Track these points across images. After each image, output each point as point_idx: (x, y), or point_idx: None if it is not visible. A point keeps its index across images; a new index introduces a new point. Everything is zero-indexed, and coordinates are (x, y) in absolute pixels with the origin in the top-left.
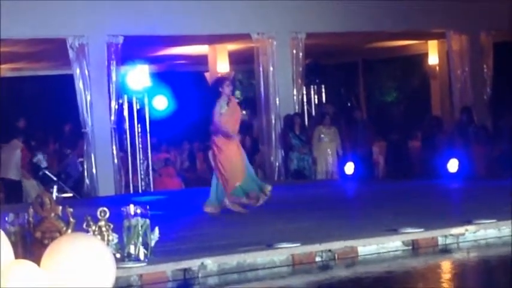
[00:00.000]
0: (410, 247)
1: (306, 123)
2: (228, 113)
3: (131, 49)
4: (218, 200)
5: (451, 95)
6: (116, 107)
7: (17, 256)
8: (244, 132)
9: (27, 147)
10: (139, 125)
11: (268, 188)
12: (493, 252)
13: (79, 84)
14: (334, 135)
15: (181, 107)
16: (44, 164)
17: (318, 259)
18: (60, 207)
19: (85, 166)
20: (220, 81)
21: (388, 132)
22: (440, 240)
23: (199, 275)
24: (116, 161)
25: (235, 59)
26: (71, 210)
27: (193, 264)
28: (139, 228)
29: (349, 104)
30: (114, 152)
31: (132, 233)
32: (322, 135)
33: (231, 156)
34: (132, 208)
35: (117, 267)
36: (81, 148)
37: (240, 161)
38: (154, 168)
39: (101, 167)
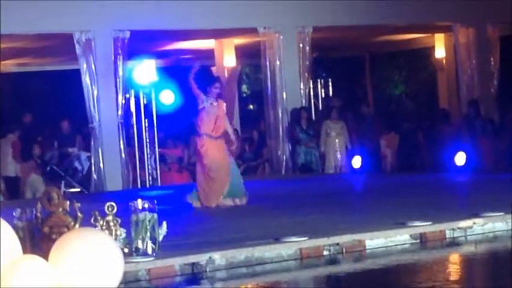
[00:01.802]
0: (418, 240)
1: (313, 117)
2: (208, 111)
3: (138, 44)
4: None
5: (458, 88)
6: (123, 101)
7: (25, 251)
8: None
9: (24, 142)
10: (146, 120)
11: (244, 200)
12: (500, 245)
13: (86, 79)
14: (341, 129)
15: (188, 102)
16: (54, 160)
17: (325, 253)
18: (68, 202)
19: (92, 161)
20: (213, 80)
21: (395, 126)
22: (448, 234)
23: (207, 269)
24: (123, 155)
25: (241, 53)
26: (79, 205)
27: (201, 258)
28: (147, 222)
29: (356, 98)
30: (122, 146)
31: (140, 227)
32: (329, 130)
33: (216, 157)
34: (139, 203)
35: (125, 262)
36: (80, 144)
37: (226, 165)
38: (167, 161)
39: (108, 161)
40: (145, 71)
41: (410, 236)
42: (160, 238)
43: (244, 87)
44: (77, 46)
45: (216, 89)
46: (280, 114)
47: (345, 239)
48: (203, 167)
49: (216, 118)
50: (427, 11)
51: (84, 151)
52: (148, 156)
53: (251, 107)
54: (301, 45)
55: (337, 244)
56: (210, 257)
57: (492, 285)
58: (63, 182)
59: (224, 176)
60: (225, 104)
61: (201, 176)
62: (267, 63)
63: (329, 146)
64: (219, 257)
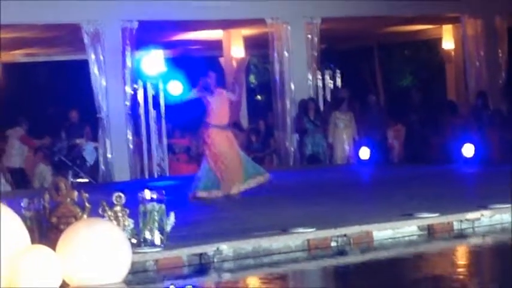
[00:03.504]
0: (425, 232)
1: (321, 108)
2: (214, 102)
3: (146, 34)
4: (213, 186)
5: (466, 79)
6: (131, 92)
7: (33, 241)
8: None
9: (30, 135)
10: (154, 110)
11: (262, 178)
12: (508, 236)
13: (94, 70)
14: (350, 121)
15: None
16: (63, 151)
17: (333, 244)
18: (76, 193)
19: (100, 151)
20: (205, 75)
21: (403, 117)
22: (456, 225)
23: (215, 260)
24: (131, 146)
25: (250, 44)
26: (87, 195)
27: (209, 249)
28: (155, 213)
29: (364, 89)
30: (129, 137)
31: (148, 218)
32: (338, 121)
33: (225, 146)
34: (147, 193)
35: (133, 253)
36: (88, 134)
37: (235, 152)
38: (175, 151)
39: (116, 152)
40: (153, 62)
41: (418, 227)
42: (168, 229)
43: (252, 78)
44: (85, 36)
45: (211, 79)
46: (288, 105)
47: (353, 230)
48: (214, 156)
49: (220, 107)
50: (435, 2)
51: (92, 141)
52: (156, 146)
53: (259, 97)
54: (309, 36)
55: (345, 235)
56: (218, 248)
57: (499, 277)
58: (71, 172)
59: (237, 163)
60: (223, 91)
61: (214, 166)
62: (275, 54)
63: (337, 137)
64: (226, 248)
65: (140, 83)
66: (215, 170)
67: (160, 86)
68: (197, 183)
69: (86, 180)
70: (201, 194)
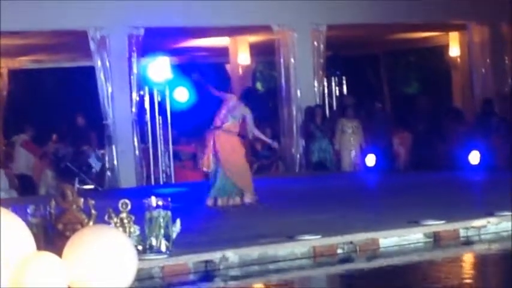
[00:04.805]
0: (431, 239)
1: (327, 115)
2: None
3: (152, 41)
4: (226, 192)
5: (472, 86)
6: (137, 98)
7: (38, 248)
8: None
9: (37, 141)
10: (160, 117)
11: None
12: None
13: (100, 76)
14: (356, 128)
15: (202, 99)
16: (69, 157)
17: (339, 251)
18: (82, 199)
19: (106, 158)
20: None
21: (409, 124)
22: (462, 232)
23: (221, 267)
24: (137, 152)
25: (256, 50)
26: (93, 202)
27: (215, 256)
28: (161, 220)
29: (370, 96)
30: (136, 143)
31: (154, 225)
32: (344, 127)
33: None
34: (153, 200)
35: (139, 259)
36: (94, 141)
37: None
38: (181, 158)
39: (122, 159)
40: (159, 68)
41: (424, 234)
42: (174, 235)
43: (258, 85)
44: (91, 43)
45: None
46: (294, 112)
47: (359, 237)
48: (218, 160)
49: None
50: (441, 9)
51: (98, 148)
52: (162, 153)
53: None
54: (315, 43)
55: (351, 242)
56: (224, 255)
57: (505, 285)
58: (77, 178)
59: (243, 169)
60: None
61: (230, 174)
62: (281, 61)
63: (344, 144)
64: (232, 255)
65: (146, 89)
66: (231, 177)
67: (167, 92)
68: (216, 190)
69: (92, 186)
70: (221, 201)
